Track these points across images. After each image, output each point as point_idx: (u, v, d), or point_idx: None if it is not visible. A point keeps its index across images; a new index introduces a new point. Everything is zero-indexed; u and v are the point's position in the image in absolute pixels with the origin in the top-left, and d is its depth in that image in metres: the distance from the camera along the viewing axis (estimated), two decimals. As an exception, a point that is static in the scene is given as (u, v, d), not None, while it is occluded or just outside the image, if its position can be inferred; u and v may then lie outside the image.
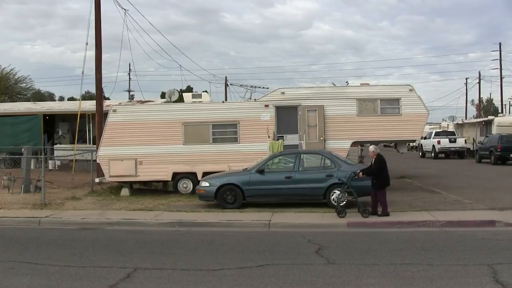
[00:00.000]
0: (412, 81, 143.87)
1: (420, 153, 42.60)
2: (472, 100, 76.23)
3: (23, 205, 15.07)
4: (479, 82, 62.00)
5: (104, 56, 21.66)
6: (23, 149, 19.39)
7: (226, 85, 57.35)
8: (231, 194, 14.13)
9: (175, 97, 19.82)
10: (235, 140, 17.56)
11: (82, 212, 14.08)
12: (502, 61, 57.92)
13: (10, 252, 9.45)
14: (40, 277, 7.57)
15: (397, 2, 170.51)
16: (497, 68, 58.48)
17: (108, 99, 34.30)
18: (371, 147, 13.26)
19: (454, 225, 11.43)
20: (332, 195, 13.71)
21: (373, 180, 12.82)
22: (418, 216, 12.32)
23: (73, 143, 26.00)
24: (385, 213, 12.52)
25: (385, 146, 59.99)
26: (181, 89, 36.76)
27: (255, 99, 18.87)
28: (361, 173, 12.93)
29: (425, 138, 40.37)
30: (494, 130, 34.33)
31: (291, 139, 17.53)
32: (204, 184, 14.48)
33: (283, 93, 17.87)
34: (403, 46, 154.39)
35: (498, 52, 58.33)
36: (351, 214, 12.75)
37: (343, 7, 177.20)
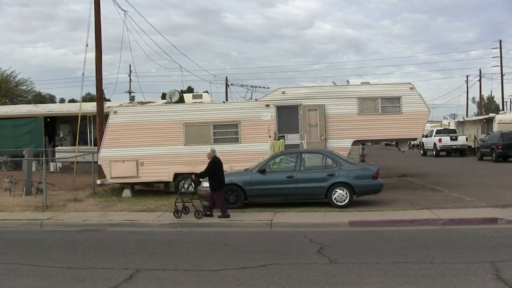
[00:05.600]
0: (413, 79, 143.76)
1: (422, 151, 42.58)
2: (473, 98, 76.35)
3: (25, 208, 15.08)
4: (479, 80, 62.02)
5: (104, 58, 21.71)
6: (24, 152, 19.40)
7: (227, 85, 57.40)
8: (232, 194, 14.11)
9: (176, 98, 19.84)
10: (236, 140, 17.55)
11: (84, 213, 14.08)
12: (502, 59, 57.92)
13: (12, 254, 9.46)
14: (42, 279, 7.58)
15: (398, 1, 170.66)
16: (498, 66, 58.49)
17: (109, 100, 34.28)
18: (208, 149, 13.48)
19: (456, 223, 11.41)
20: (334, 194, 13.71)
21: (209, 182, 13.08)
22: (420, 214, 12.31)
23: (74, 145, 25.97)
24: (225, 216, 12.65)
25: (386, 144, 60.11)
26: (181, 90, 36.76)
27: (256, 99, 18.85)
28: (193, 176, 13.27)
29: (426, 136, 40.37)
30: (495, 127, 34.26)
31: (292, 138, 17.51)
32: (206, 184, 14.45)
33: (283, 92, 17.85)
34: (404, 44, 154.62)
35: (499, 49, 58.33)
36: (353, 212, 12.76)
37: (345, 6, 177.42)
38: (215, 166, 13.02)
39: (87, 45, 20.79)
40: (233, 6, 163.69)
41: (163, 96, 39.43)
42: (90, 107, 27.64)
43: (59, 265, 8.39)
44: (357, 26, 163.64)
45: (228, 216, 12.61)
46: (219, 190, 12.99)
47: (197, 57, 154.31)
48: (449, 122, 49.11)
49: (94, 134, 26.15)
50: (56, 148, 29.10)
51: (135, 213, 13.86)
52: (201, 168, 17.06)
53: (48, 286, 7.22)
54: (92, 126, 27.45)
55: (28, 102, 46.83)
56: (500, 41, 58.73)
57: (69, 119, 30.29)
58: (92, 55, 21.12)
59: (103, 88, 21.55)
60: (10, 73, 49.24)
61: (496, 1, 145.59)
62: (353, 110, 17.54)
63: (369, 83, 18.84)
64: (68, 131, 31.18)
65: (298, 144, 17.33)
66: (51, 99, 63.21)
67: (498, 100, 68.94)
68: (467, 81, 67.21)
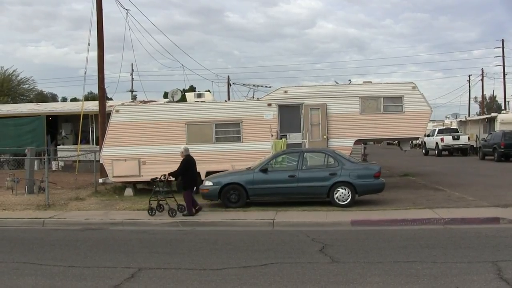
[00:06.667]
0: (416, 79, 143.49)
1: (424, 151, 42.52)
2: (475, 97, 76.18)
3: (27, 206, 15.11)
4: (482, 79, 61.94)
5: (107, 57, 21.78)
6: (26, 150, 19.41)
7: (229, 84, 57.34)
8: (234, 193, 14.12)
9: (178, 96, 19.84)
10: (238, 139, 17.55)
11: (86, 212, 14.11)
12: (505, 58, 57.62)
13: (14, 253, 9.48)
14: (44, 277, 7.59)
15: (400, 0, 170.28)
16: (500, 65, 58.28)
17: (111, 99, 34.30)
18: (182, 148, 13.60)
19: (458, 222, 11.40)
20: (336, 193, 13.71)
21: (181, 181, 13.25)
22: (422, 213, 12.29)
23: (76, 144, 25.98)
24: (189, 214, 12.82)
25: (388, 144, 60.03)
26: (184, 89, 36.72)
27: (258, 98, 18.85)
28: (166, 174, 13.36)
29: (428, 135, 40.28)
30: (497, 127, 34.25)
31: (294, 137, 17.51)
32: (208, 183, 14.49)
33: (286, 91, 17.85)
34: (406, 44, 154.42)
35: (501, 49, 58.16)
36: (355, 211, 12.75)
37: (347, 5, 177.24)
38: (187, 164, 13.14)
39: (89, 44, 20.81)
40: (235, 5, 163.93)
41: (165, 95, 39.41)
42: (92, 106, 27.62)
43: (61, 264, 8.40)
44: (359, 25, 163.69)
45: (192, 215, 12.79)
46: (189, 188, 13.07)
47: (199, 56, 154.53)
48: (451, 122, 49.02)
49: (96, 133, 26.17)
50: (58, 147, 29.16)
51: (137, 212, 13.87)
52: (202, 167, 17.17)
53: (50, 285, 7.23)
54: (94, 125, 27.48)
55: (30, 101, 46.82)
56: (503, 41, 58.60)
57: (71, 118, 30.34)
58: (94, 54, 21.16)
59: (105, 87, 21.58)
60: (12, 72, 49.31)
61: (497, 0, 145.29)
62: (355, 109, 17.54)
63: (371, 82, 18.87)
64: (70, 130, 31.22)
65: (300, 143, 17.33)
66: (53, 98, 63.29)
67: (500, 100, 68.77)
68: (469, 81, 67.11)
